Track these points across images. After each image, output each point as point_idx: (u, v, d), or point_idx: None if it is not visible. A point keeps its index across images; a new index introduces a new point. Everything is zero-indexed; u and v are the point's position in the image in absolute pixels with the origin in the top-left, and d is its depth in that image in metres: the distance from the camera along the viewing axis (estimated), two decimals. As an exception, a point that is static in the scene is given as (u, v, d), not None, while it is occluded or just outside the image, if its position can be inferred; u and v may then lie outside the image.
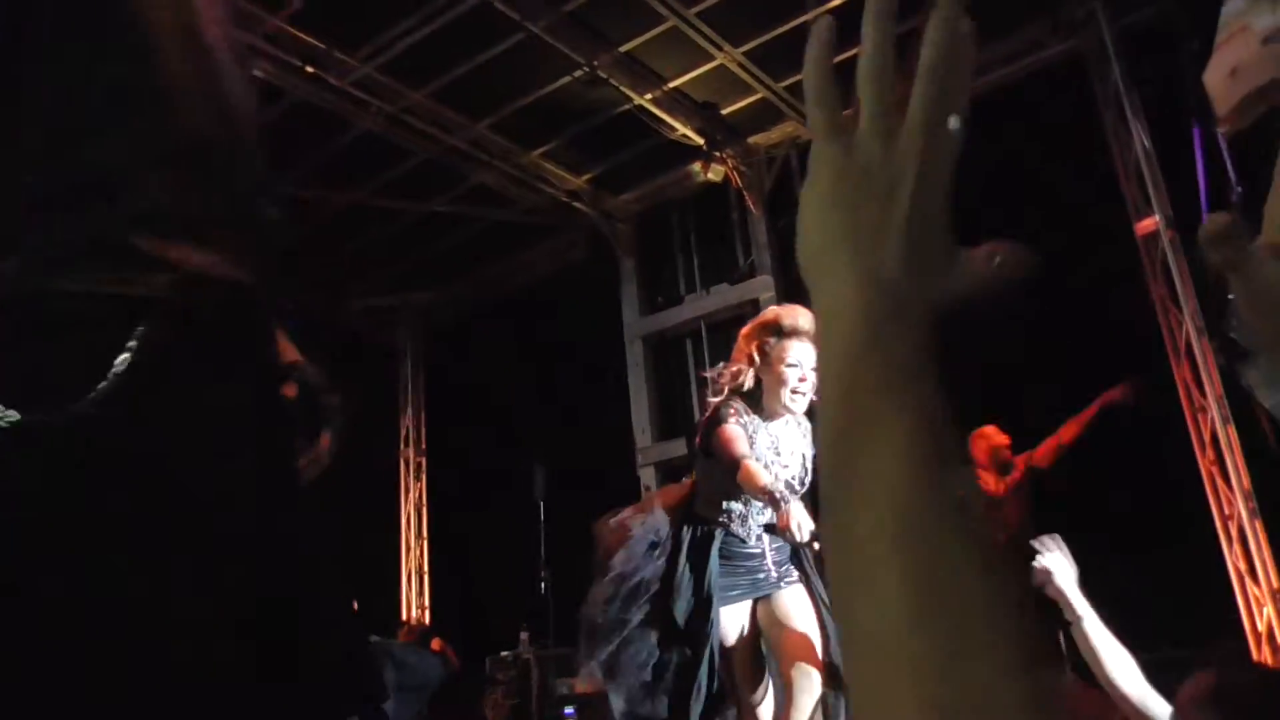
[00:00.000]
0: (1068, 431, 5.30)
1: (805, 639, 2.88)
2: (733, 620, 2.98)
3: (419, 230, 8.38)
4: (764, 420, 3.07)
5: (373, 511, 9.25)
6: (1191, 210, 5.76)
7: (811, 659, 2.87)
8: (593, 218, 8.28)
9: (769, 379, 3.05)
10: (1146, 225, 5.96)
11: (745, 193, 7.62)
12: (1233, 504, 5.49)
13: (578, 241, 8.59)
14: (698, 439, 3.11)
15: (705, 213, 8.05)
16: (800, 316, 3.06)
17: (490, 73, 6.56)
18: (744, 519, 3.05)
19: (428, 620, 8.94)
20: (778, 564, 3.04)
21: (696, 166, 7.68)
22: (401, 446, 9.80)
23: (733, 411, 3.03)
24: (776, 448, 3.05)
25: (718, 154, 7.44)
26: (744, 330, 3.19)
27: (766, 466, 2.93)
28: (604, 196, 8.20)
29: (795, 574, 3.04)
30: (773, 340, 3.06)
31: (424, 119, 6.97)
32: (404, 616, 9.05)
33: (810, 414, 3.11)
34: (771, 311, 3.19)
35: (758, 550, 3.05)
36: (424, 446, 9.80)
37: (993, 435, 5.40)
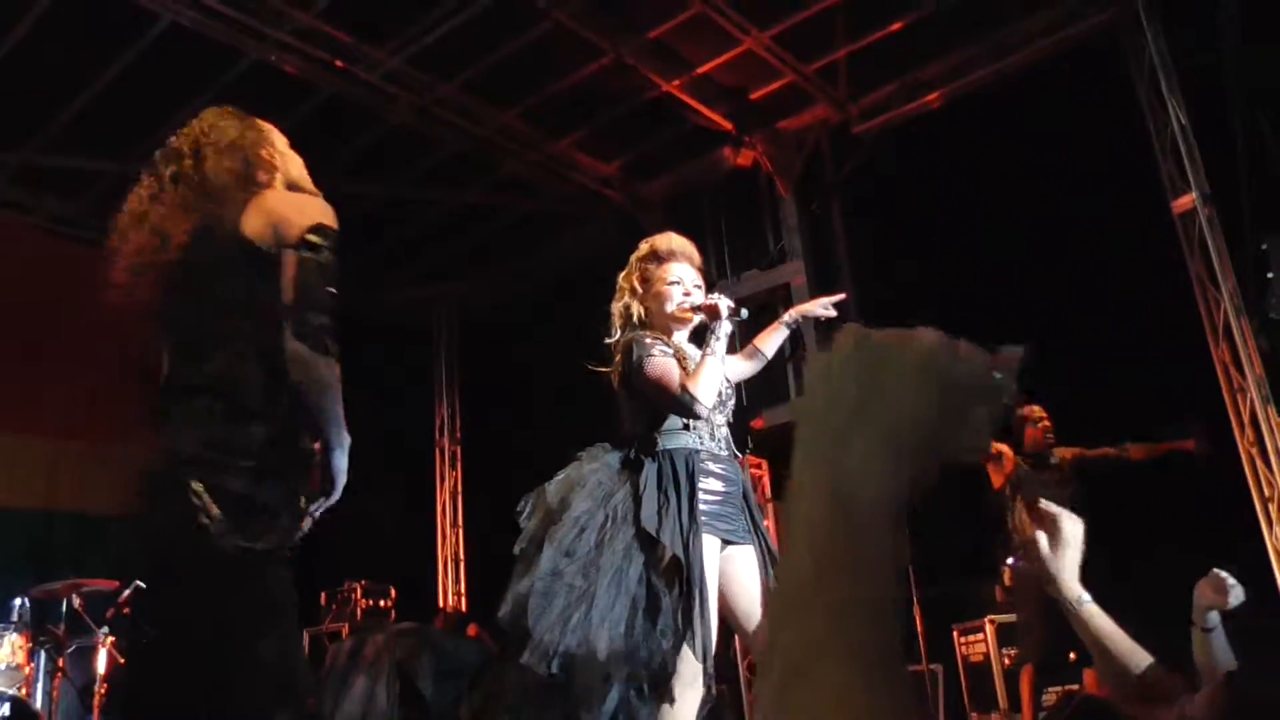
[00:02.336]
0: (1135, 452, 5.31)
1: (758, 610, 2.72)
2: (711, 555, 2.67)
3: (451, 221, 8.43)
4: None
5: (409, 500, 9.35)
6: (1230, 187, 5.68)
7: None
8: (623, 205, 8.28)
9: (654, 303, 3.02)
10: (1183, 203, 5.87)
11: (775, 177, 7.57)
12: (1273, 485, 5.42)
13: (609, 229, 8.60)
14: (616, 382, 2.96)
15: (735, 198, 8.00)
16: (674, 240, 3.08)
17: (518, 62, 6.57)
18: (711, 430, 2.87)
19: (464, 607, 9.03)
20: (744, 509, 2.84)
21: (726, 152, 7.66)
22: (437, 435, 9.89)
23: (648, 340, 2.89)
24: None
25: (747, 139, 7.41)
26: (622, 273, 3.17)
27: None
28: (634, 183, 8.20)
29: (750, 525, 2.83)
30: (652, 266, 3.07)
31: (453, 110, 7.00)
32: (441, 603, 9.15)
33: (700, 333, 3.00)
34: (645, 243, 3.16)
35: (733, 476, 2.84)
36: (459, 435, 9.88)
37: (1036, 416, 5.35)
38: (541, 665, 2.48)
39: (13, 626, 5.04)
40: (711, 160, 7.86)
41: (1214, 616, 2.23)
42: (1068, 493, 5.16)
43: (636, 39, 6.46)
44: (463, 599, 9.26)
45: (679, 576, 2.56)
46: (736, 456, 2.92)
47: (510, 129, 7.34)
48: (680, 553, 2.57)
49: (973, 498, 6.04)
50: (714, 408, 2.86)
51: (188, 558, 1.84)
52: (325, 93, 6.63)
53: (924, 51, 6.82)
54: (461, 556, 9.45)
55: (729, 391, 2.99)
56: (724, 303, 2.88)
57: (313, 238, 2.00)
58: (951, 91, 6.93)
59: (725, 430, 2.92)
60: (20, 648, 4.92)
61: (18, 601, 5.16)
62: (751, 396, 7.35)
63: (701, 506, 2.69)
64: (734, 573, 2.78)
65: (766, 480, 7.01)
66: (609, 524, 2.65)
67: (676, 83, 6.88)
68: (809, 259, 7.46)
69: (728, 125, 7.31)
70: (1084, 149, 5.99)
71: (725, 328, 2.86)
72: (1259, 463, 5.47)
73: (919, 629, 5.54)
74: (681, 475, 2.71)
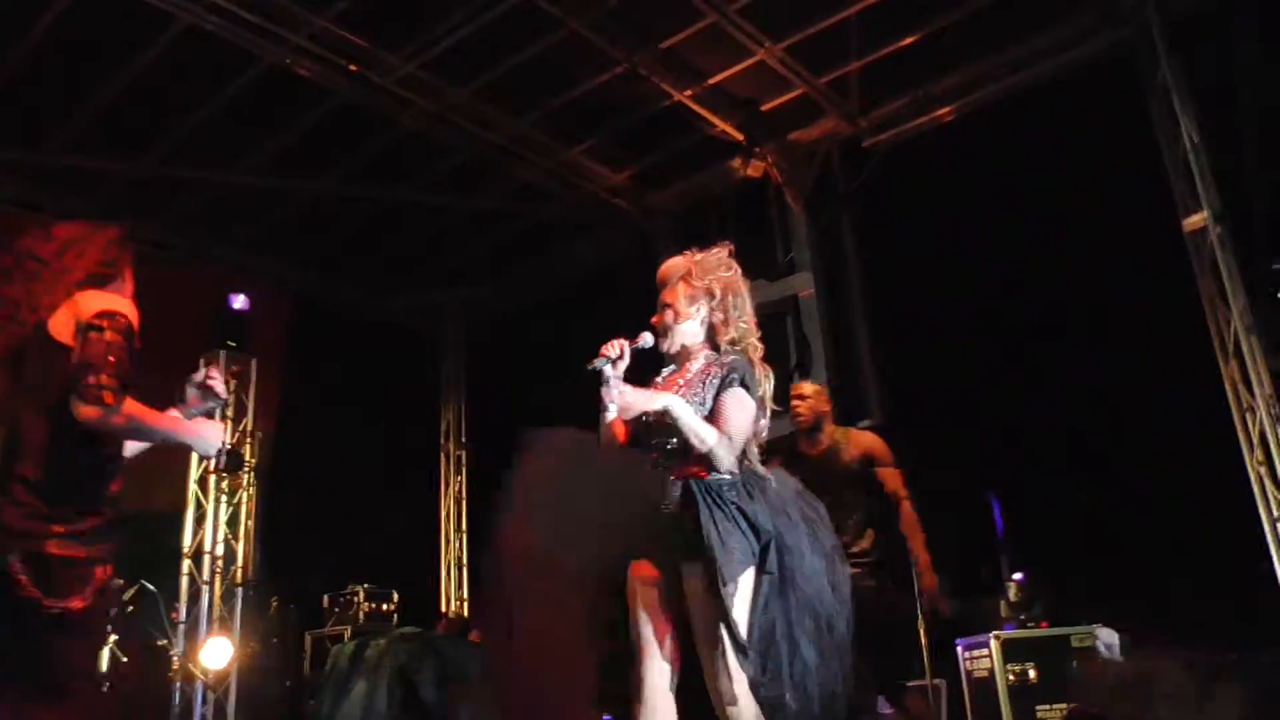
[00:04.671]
0: (915, 535, 4.56)
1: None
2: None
3: (461, 227, 8.46)
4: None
5: (414, 503, 9.36)
6: (1241, 206, 5.67)
7: None
8: (633, 214, 8.30)
9: None
10: (1194, 221, 5.85)
11: (785, 189, 7.58)
12: (1283, 505, 5.39)
13: (619, 238, 8.62)
14: None
15: (745, 209, 8.01)
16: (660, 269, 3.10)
17: (532, 70, 6.60)
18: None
19: (467, 612, 9.03)
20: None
21: (736, 163, 7.67)
22: (442, 439, 9.90)
23: None
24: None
25: (758, 150, 7.42)
26: None
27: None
28: (644, 193, 8.22)
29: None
30: None
31: (466, 117, 7.03)
32: (443, 609, 9.14)
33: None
34: None
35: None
36: (465, 440, 9.89)
37: (794, 393, 4.70)
38: None
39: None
40: (722, 171, 7.88)
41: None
42: (830, 485, 4.06)
43: (650, 49, 6.48)
44: (465, 605, 9.25)
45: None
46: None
47: (522, 136, 7.36)
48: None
49: (976, 518, 6.01)
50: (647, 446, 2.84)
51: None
52: (339, 98, 6.67)
53: (936, 66, 6.83)
54: (465, 562, 9.45)
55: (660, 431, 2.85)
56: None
57: (97, 320, 2.33)
58: (963, 106, 6.94)
59: (667, 464, 2.82)
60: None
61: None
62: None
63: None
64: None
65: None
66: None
67: (689, 93, 6.90)
68: (818, 271, 7.46)
69: (739, 136, 7.33)
70: (1095, 165, 5.99)
71: (608, 375, 2.82)
72: (1268, 482, 5.44)
73: (923, 643, 5.51)
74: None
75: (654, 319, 3.03)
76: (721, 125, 7.26)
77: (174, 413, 2.63)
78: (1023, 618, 5.50)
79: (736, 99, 7.12)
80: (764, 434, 2.90)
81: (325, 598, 7.60)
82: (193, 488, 6.89)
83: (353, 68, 6.39)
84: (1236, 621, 5.10)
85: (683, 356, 2.99)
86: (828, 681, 2.56)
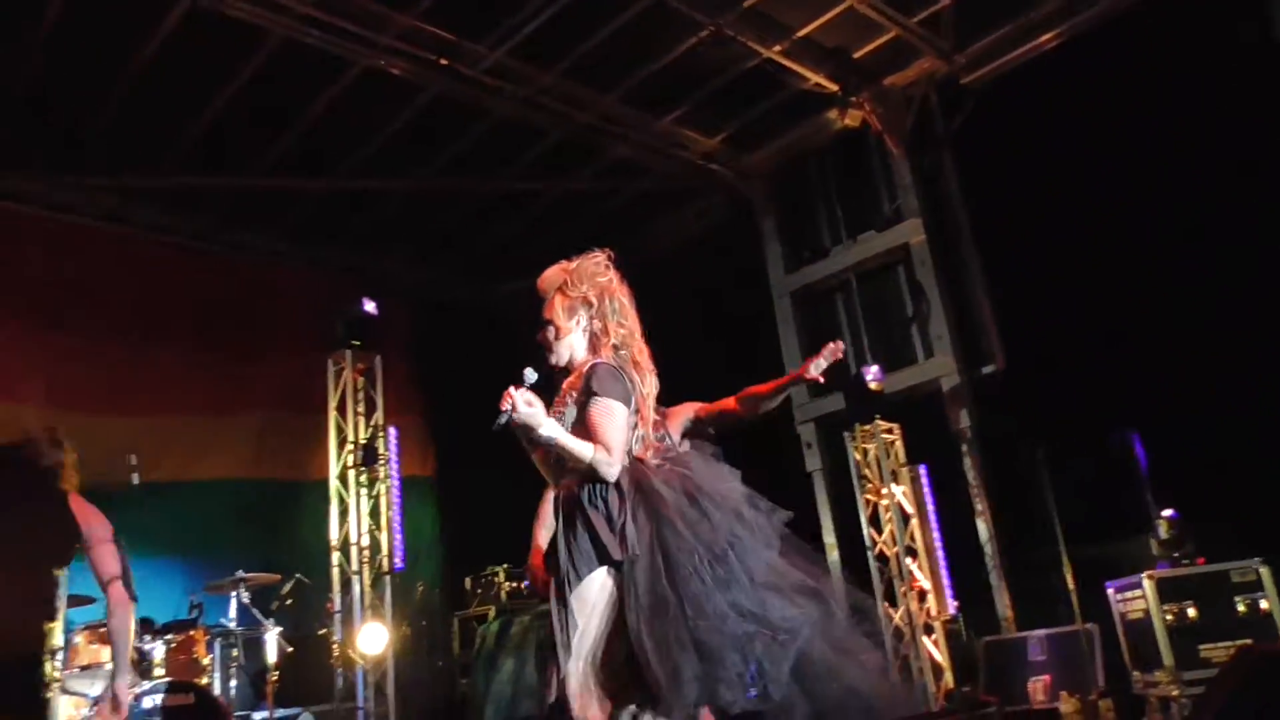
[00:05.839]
0: (752, 390, 4.40)
1: None
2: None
3: (561, 208, 8.53)
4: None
5: (543, 484, 9.55)
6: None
7: None
8: (730, 178, 8.23)
9: None
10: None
11: (885, 135, 7.39)
12: None
13: (718, 203, 8.56)
14: None
15: (844, 160, 7.86)
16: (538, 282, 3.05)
17: (616, 44, 6.59)
18: None
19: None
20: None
21: (833, 114, 7.52)
22: (563, 420, 10.07)
23: None
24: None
25: (853, 99, 7.25)
26: None
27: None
28: (739, 155, 8.13)
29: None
30: None
31: (556, 98, 7.08)
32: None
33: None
34: None
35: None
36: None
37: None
38: None
39: (190, 621, 5.45)
40: (818, 124, 7.74)
41: None
42: None
43: (734, 8, 6.39)
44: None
45: None
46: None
47: (613, 112, 7.37)
48: None
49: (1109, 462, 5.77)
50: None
51: None
52: (431, 92, 6.80)
53: (1034, -10, 6.54)
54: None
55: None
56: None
57: None
58: (1065, 31, 6.62)
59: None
60: (199, 641, 5.28)
61: (192, 598, 5.58)
62: (875, 358, 7.20)
63: None
64: None
65: (900, 445, 6.85)
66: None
67: (777, 48, 6.78)
68: (926, 217, 7.27)
69: (833, 86, 7.18)
70: (1213, 85, 5.62)
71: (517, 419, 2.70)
72: None
73: (1072, 587, 5.36)
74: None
75: (538, 337, 2.97)
76: (814, 78, 7.11)
77: None
78: (1176, 555, 5.29)
79: (826, 49, 6.96)
80: (638, 438, 2.81)
81: (467, 580, 7.85)
82: (334, 483, 7.19)
83: (443, 61, 6.50)
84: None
85: (573, 369, 2.91)
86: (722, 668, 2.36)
